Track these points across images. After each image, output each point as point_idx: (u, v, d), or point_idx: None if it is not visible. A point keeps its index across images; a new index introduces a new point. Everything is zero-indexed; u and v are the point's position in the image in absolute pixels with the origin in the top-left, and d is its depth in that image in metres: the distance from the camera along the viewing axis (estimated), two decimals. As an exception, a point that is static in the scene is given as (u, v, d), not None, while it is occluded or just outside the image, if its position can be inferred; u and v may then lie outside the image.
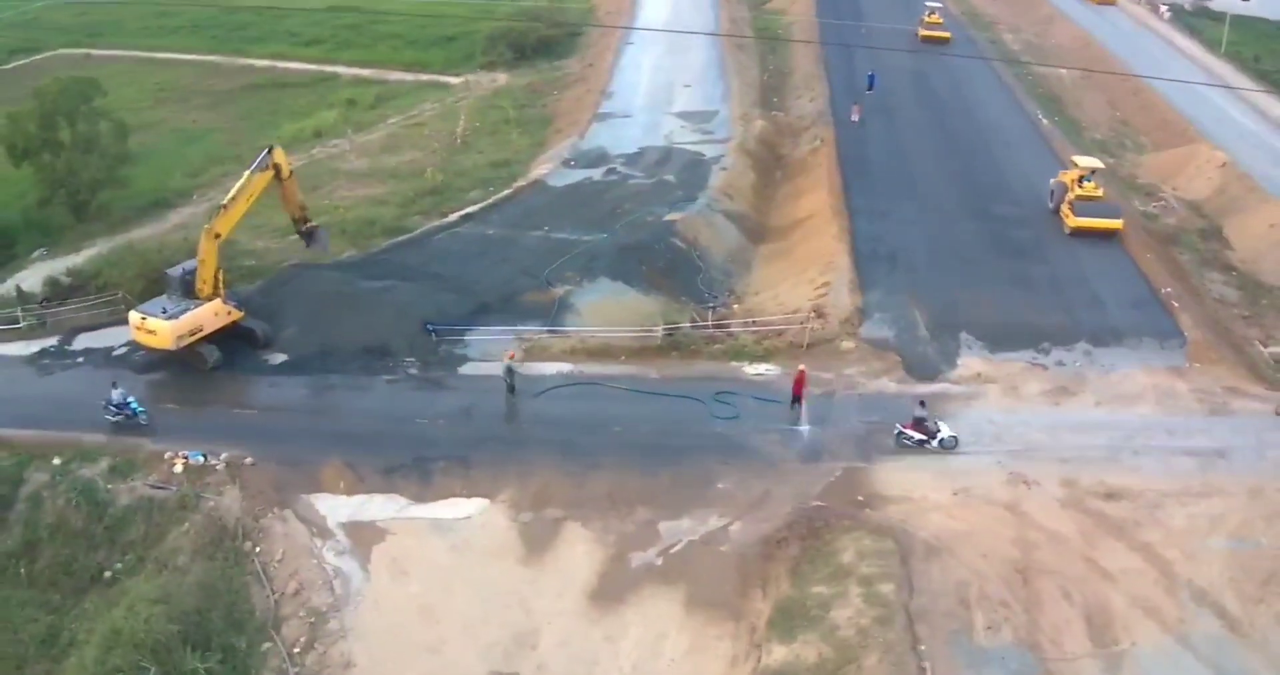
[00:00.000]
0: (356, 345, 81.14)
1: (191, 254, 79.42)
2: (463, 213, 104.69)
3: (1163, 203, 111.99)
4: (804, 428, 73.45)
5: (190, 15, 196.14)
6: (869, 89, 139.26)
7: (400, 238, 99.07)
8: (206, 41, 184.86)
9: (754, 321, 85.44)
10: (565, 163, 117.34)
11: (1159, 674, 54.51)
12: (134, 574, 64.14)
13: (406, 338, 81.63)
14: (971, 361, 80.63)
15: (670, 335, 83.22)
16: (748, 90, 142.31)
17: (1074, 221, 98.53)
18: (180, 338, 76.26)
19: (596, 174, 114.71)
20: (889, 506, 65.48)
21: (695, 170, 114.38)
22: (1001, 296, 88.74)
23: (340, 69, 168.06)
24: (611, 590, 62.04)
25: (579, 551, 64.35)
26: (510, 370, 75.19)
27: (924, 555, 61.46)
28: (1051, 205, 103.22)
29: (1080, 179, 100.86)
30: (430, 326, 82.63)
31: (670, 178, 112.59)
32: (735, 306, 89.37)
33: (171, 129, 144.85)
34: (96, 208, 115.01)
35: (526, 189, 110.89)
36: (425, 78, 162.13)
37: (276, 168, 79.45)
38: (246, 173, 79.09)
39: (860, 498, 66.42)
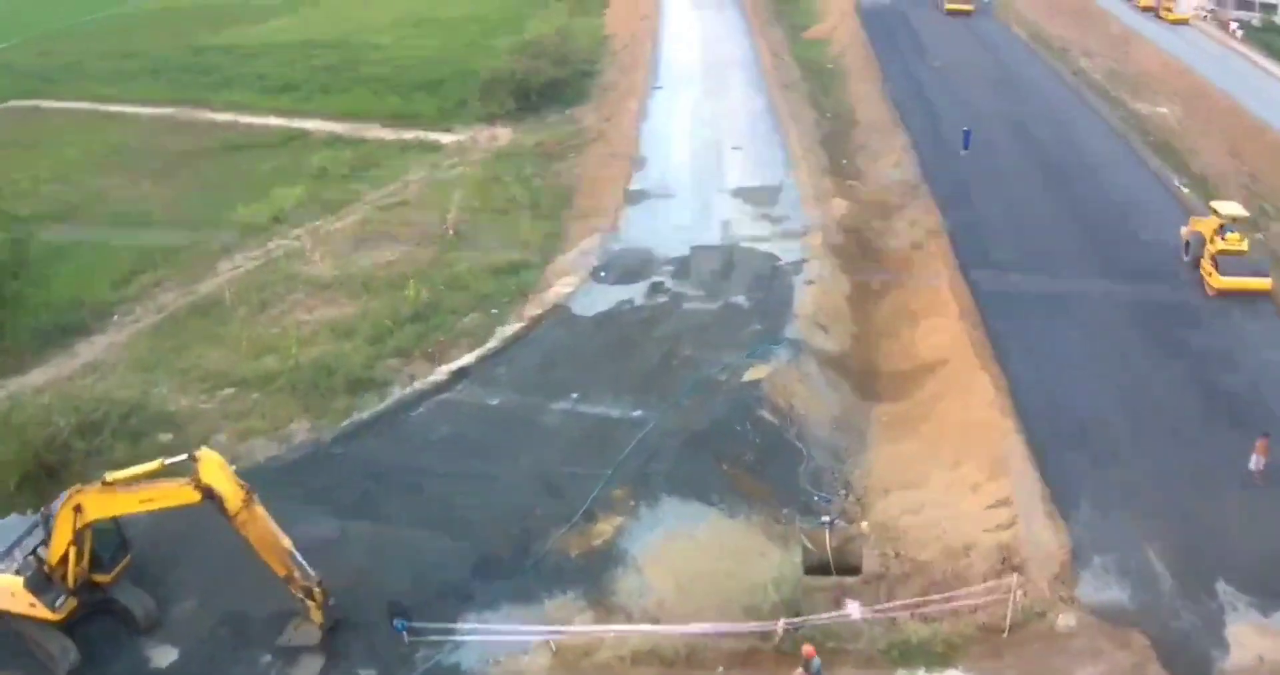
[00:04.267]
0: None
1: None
2: (455, 366, 71.41)
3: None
4: None
5: (155, 56, 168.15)
6: (965, 149, 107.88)
7: (365, 413, 66.55)
8: (167, 88, 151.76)
9: (924, 600, 51.81)
10: (594, 272, 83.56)
11: None
12: None
13: (364, 634, 48.77)
14: (1244, 633, 49.45)
15: (796, 629, 49.61)
16: (811, 150, 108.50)
17: (1219, 282, 79.77)
18: None
19: (638, 293, 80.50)
20: None
21: (771, 285, 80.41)
22: (1253, 501, 57.36)
23: (312, 124, 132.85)
24: None
25: None
26: None
27: None
28: (1187, 258, 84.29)
29: (1221, 229, 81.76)
30: (400, 622, 48.17)
31: (739, 299, 78.64)
32: (864, 524, 56.66)
33: (110, 211, 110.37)
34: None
35: (544, 319, 77.01)
36: (410, 135, 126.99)
37: (207, 491, 43.74)
38: (160, 465, 46.28)
39: None
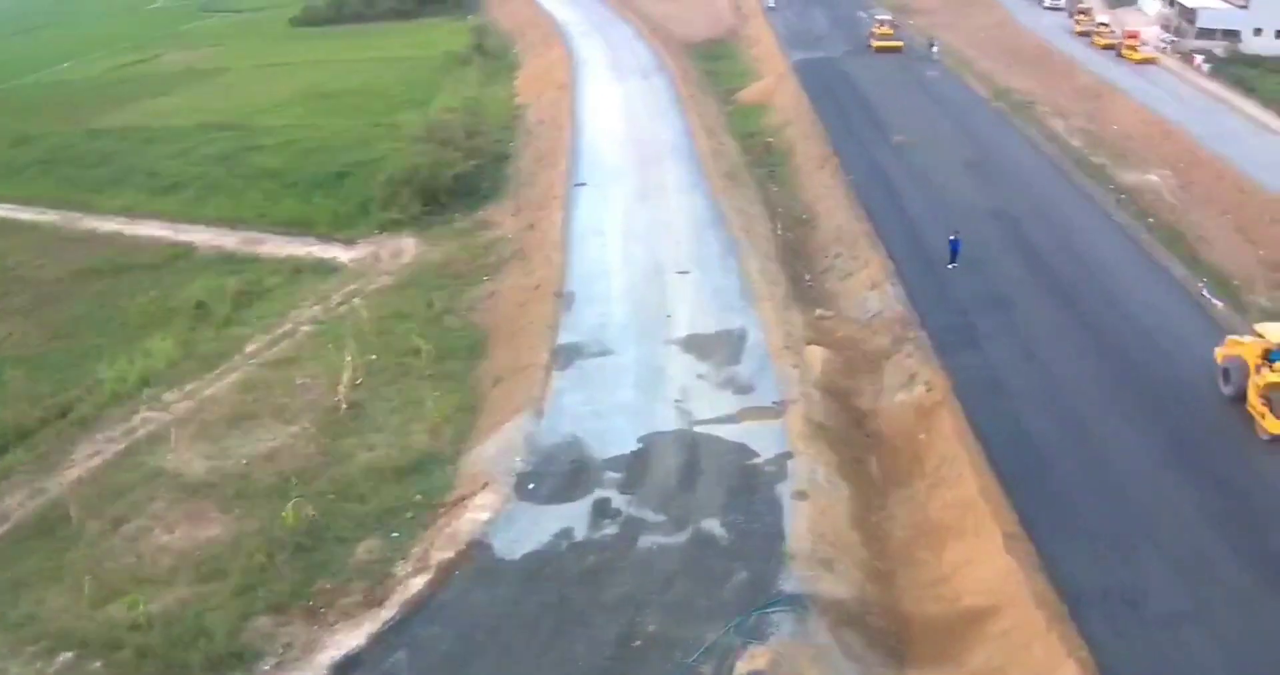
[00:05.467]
0: None
1: None
2: (339, 656, 51.50)
3: None
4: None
5: (48, 143, 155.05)
6: (952, 262, 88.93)
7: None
8: (55, 185, 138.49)
9: None
10: (519, 482, 63.01)
11: None
12: None
13: None
14: None
15: None
16: (771, 271, 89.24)
17: (1277, 427, 62.19)
18: None
19: (578, 519, 59.58)
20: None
21: (750, 498, 59.87)
22: None
23: (199, 234, 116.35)
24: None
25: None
26: None
27: None
28: (1227, 390, 66.94)
29: (1267, 355, 64.75)
30: None
31: (712, 525, 58.00)
32: None
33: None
34: None
35: (457, 568, 56.49)
36: (304, 251, 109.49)
37: None
38: None
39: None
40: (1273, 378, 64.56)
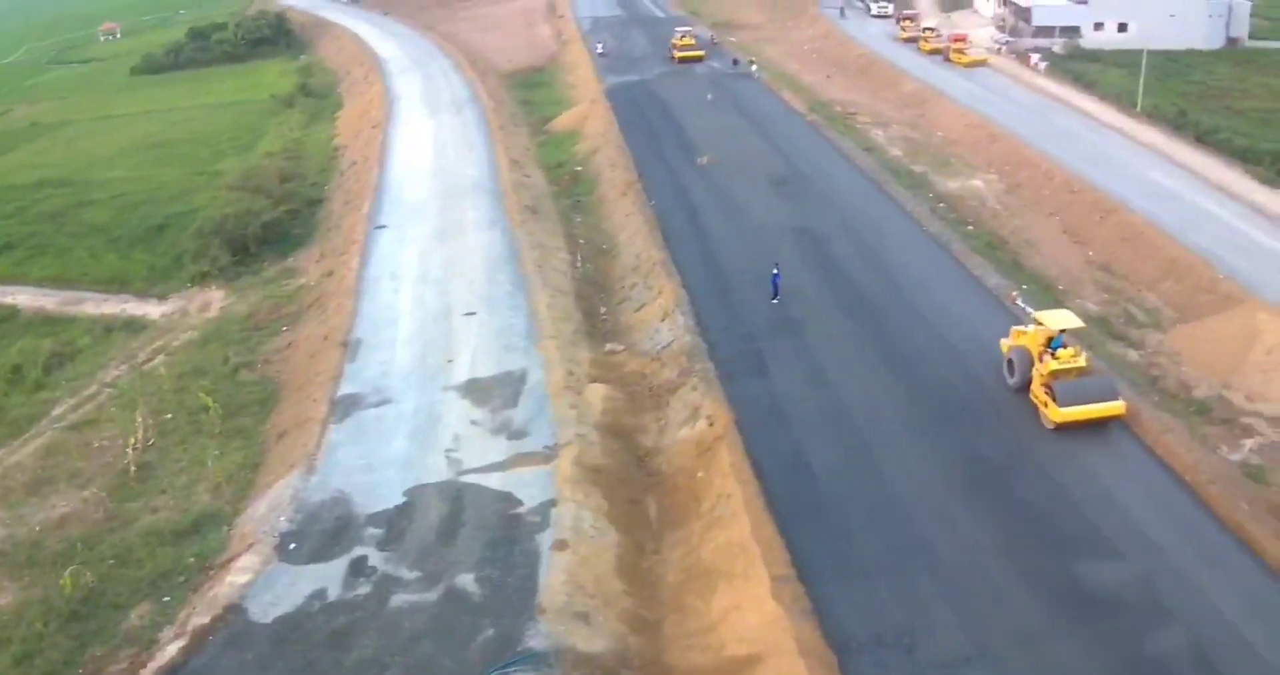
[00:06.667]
0: None
1: None
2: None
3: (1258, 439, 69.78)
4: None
5: None
6: (774, 297, 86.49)
7: None
8: None
9: None
10: (281, 543, 61.63)
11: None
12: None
13: None
14: None
15: None
16: (562, 306, 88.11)
17: (1058, 414, 63.80)
18: None
19: (334, 578, 58.20)
20: None
21: (510, 550, 58.49)
22: None
23: (25, 297, 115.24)
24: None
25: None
26: None
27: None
28: (1012, 381, 68.73)
29: (1049, 343, 66.81)
30: None
31: (466, 580, 56.72)
32: None
33: None
34: None
35: (210, 633, 54.94)
36: (118, 309, 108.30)
37: None
38: None
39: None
40: (1054, 365, 65.45)
